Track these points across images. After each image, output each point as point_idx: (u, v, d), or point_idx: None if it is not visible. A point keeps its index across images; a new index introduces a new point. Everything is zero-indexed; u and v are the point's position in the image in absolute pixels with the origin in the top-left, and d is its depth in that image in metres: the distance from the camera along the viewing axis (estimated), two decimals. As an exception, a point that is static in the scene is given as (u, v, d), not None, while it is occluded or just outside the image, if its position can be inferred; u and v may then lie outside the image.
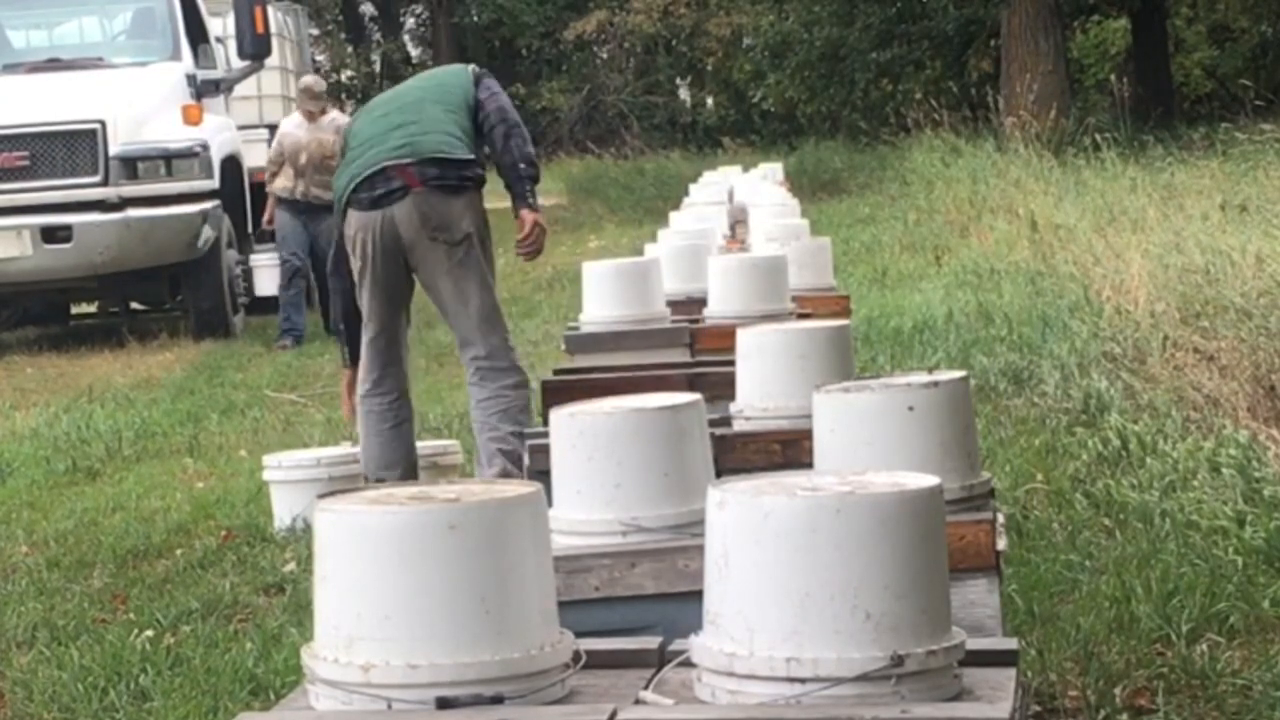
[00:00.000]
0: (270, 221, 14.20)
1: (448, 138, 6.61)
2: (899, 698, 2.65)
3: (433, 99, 6.76)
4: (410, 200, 6.53)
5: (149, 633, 5.76)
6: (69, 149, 14.23)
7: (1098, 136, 16.37)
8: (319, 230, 13.54)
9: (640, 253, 8.65)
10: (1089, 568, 5.64)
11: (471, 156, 6.65)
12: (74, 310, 17.11)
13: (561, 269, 17.01)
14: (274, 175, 13.83)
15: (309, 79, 14.40)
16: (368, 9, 44.13)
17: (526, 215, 6.75)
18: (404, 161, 6.54)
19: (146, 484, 8.50)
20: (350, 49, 41.67)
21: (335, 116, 13.87)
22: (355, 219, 6.60)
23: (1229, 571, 5.43)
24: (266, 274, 14.88)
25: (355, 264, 6.70)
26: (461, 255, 6.59)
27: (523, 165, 6.69)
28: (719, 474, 3.72)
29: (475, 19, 39.68)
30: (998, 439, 7.57)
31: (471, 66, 7.00)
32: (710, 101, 40.01)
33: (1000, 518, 3.83)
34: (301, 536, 6.86)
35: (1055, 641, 4.95)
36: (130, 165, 14.28)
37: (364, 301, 6.73)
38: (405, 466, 6.80)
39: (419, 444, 7.62)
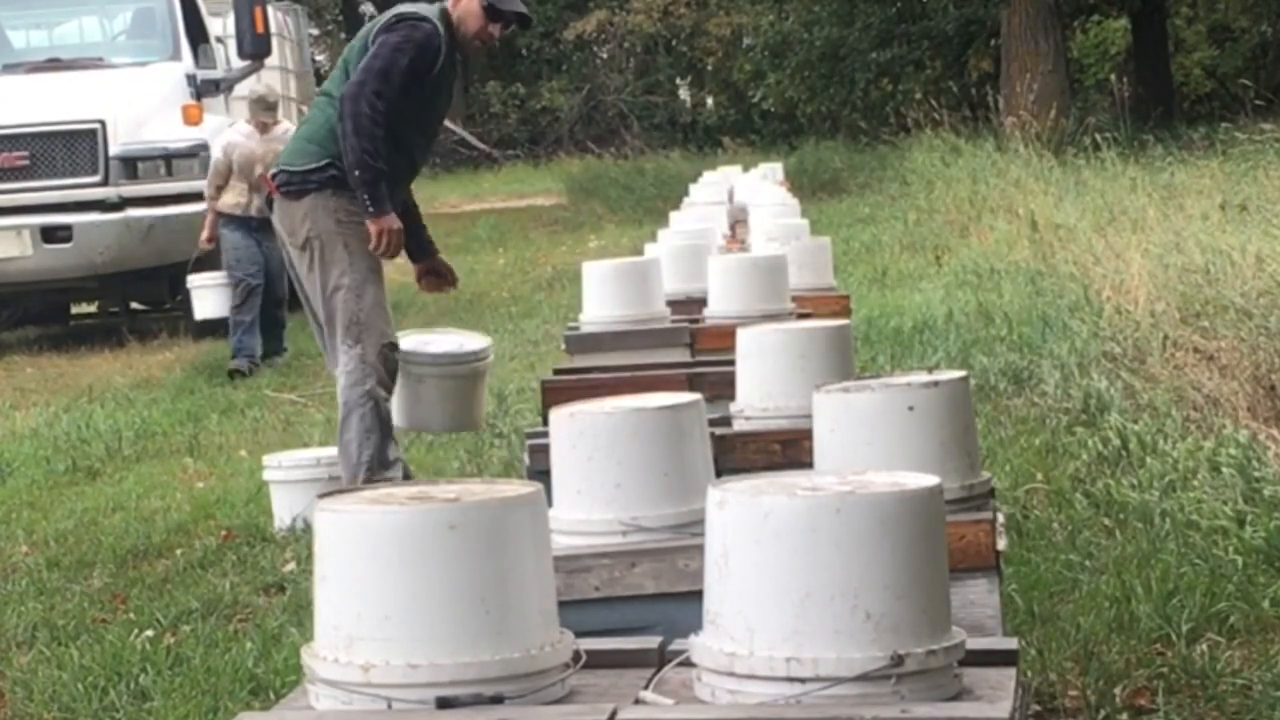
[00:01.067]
0: (211, 241, 12.63)
1: (300, 143, 6.67)
2: (899, 697, 2.65)
3: (334, 81, 6.66)
4: (274, 209, 6.75)
5: (149, 633, 5.76)
6: (69, 149, 14.24)
7: (1098, 136, 16.37)
8: (273, 247, 11.83)
9: (640, 253, 8.65)
10: (1089, 568, 5.64)
11: (313, 165, 6.51)
12: (74, 310, 17.10)
13: (561, 269, 17.02)
14: (219, 190, 12.45)
15: (261, 88, 13.11)
16: (368, 9, 44.09)
17: (368, 225, 6.46)
18: (274, 171, 6.79)
19: (146, 484, 8.50)
20: (350, 49, 41.63)
21: (289, 128, 12.18)
22: None
23: (1229, 571, 5.43)
24: (210, 295, 13.07)
25: None
26: (308, 260, 6.57)
27: (355, 172, 6.38)
28: (719, 474, 3.72)
29: (475, 19, 39.58)
30: (998, 439, 7.56)
31: (384, 20, 6.57)
32: (710, 101, 40.02)
33: (1000, 518, 3.83)
34: (301, 536, 6.86)
35: (1055, 641, 4.94)
36: (130, 165, 14.29)
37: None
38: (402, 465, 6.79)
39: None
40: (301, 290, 6.82)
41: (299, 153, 6.66)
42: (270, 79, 16.99)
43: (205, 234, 12.62)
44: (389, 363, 6.56)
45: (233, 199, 12.42)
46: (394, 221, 6.47)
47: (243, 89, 16.40)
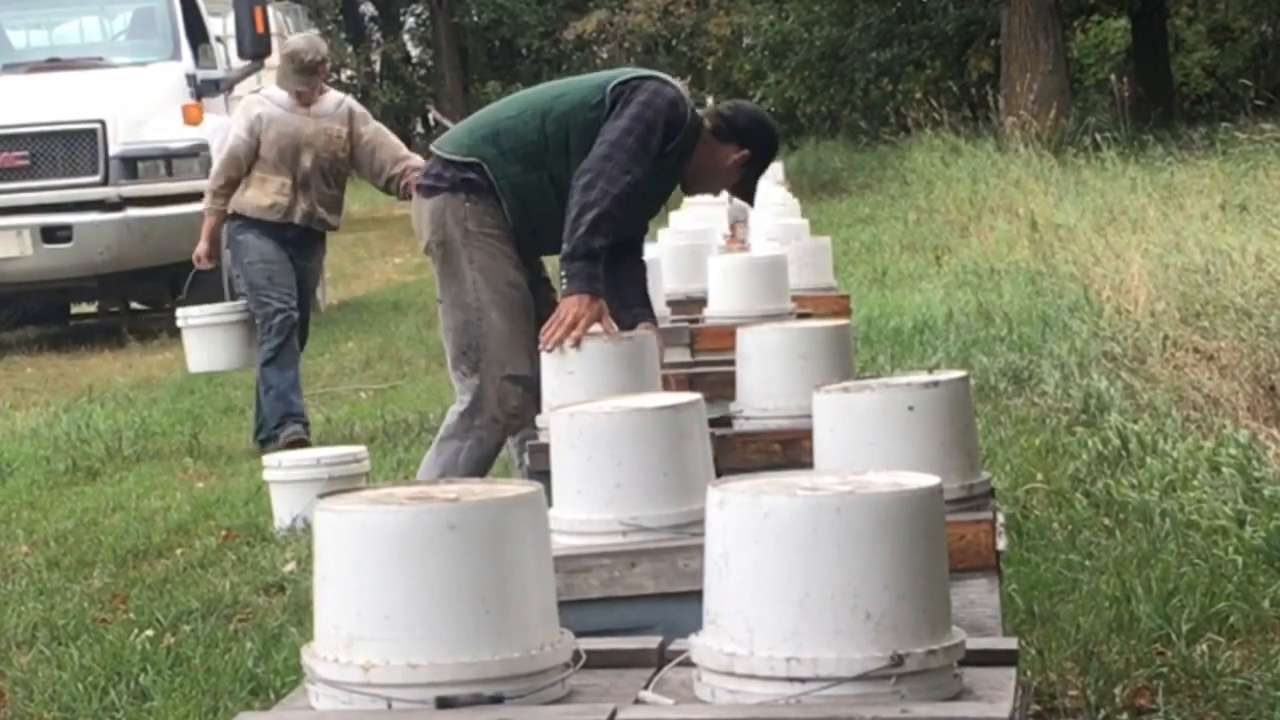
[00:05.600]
0: (211, 258, 9.14)
1: (458, 133, 5.64)
2: (899, 697, 2.65)
3: (523, 98, 5.69)
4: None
5: (149, 633, 5.76)
6: (69, 149, 14.24)
7: (1098, 136, 16.41)
8: (309, 267, 9.11)
9: (640, 253, 8.64)
10: (1089, 568, 5.64)
11: (462, 158, 5.50)
12: (74, 310, 17.11)
13: (561, 269, 16.98)
14: (232, 184, 8.80)
15: (300, 41, 9.16)
16: (368, 9, 44.16)
17: (561, 300, 5.16)
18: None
19: (146, 484, 8.50)
20: (350, 49, 41.68)
21: (343, 99, 9.08)
22: None
23: (1229, 571, 5.43)
24: (209, 339, 9.21)
25: None
26: (433, 266, 5.65)
27: (573, 247, 5.13)
28: (719, 474, 3.71)
29: (475, 19, 39.72)
30: (998, 439, 7.57)
31: (634, 78, 5.41)
32: (710, 101, 40.04)
33: (1000, 518, 3.83)
34: (301, 536, 6.86)
35: (1055, 641, 4.95)
36: (130, 165, 14.29)
37: None
38: None
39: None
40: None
41: (450, 141, 5.61)
42: (270, 78, 16.99)
43: (203, 246, 9.14)
44: (508, 400, 5.53)
45: (264, 198, 8.77)
46: (594, 308, 5.07)
47: (244, 89, 16.42)
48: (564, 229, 5.18)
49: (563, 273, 5.18)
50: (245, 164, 8.79)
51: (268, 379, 8.91)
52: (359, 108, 9.16)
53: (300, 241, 8.92)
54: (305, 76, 8.81)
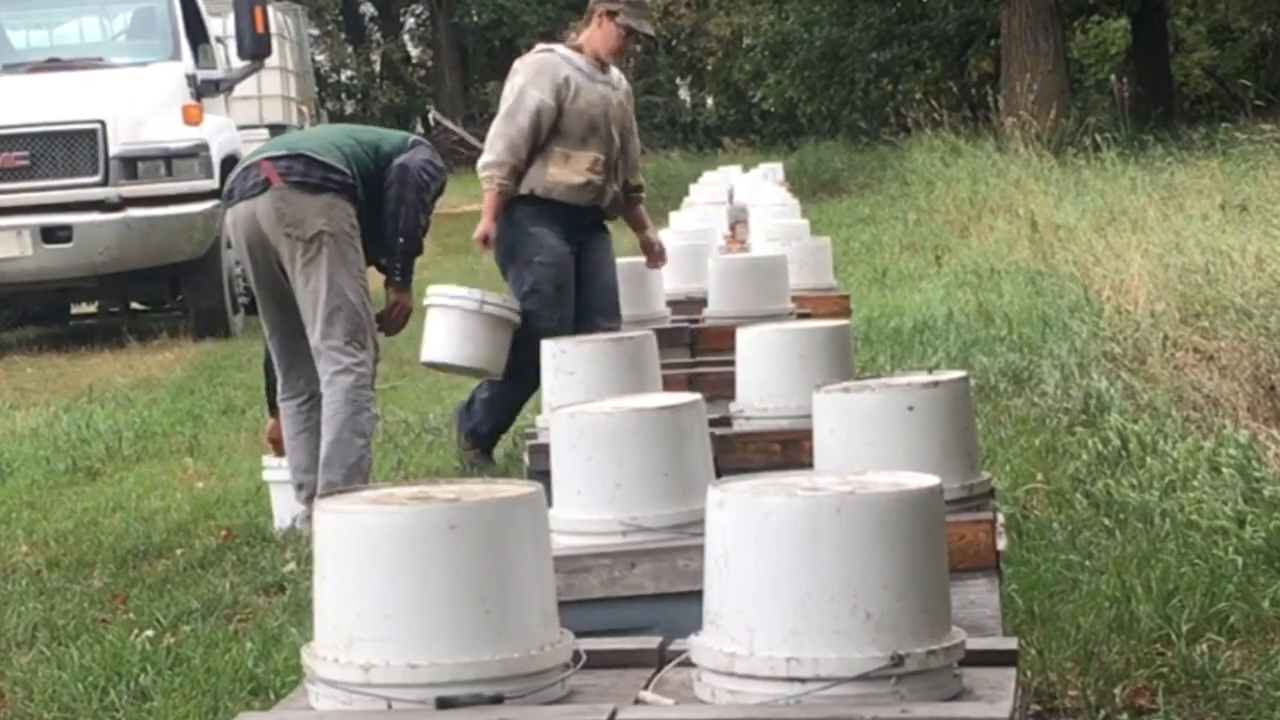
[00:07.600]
0: (488, 240, 7.31)
1: (326, 144, 6.68)
2: (899, 697, 2.65)
3: (348, 131, 6.99)
4: (269, 195, 6.57)
5: (149, 633, 5.75)
6: (69, 149, 14.23)
7: (1098, 136, 16.40)
8: (604, 260, 7.36)
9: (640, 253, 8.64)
10: (1089, 568, 5.64)
11: (342, 169, 6.58)
12: (74, 310, 17.09)
13: (561, 269, 17.00)
14: (525, 162, 7.20)
15: None
16: (368, 9, 44.15)
17: (389, 294, 6.87)
18: (274, 155, 6.66)
19: (146, 484, 8.49)
20: (350, 49, 41.70)
21: (619, 75, 7.52)
22: (228, 216, 6.79)
23: (1229, 571, 5.43)
24: (462, 327, 7.25)
25: (240, 264, 7.10)
26: (313, 253, 6.55)
27: (401, 240, 6.70)
28: (719, 474, 3.72)
29: (475, 19, 39.70)
30: (998, 439, 7.56)
31: (414, 137, 6.97)
32: (710, 101, 40.07)
33: (1000, 518, 3.83)
34: (301, 536, 6.85)
35: (1055, 641, 4.94)
36: (130, 165, 14.27)
37: (258, 301, 6.96)
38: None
39: None
40: (273, 289, 6.72)
41: (324, 151, 6.64)
42: (270, 78, 16.99)
43: (484, 225, 7.29)
44: (375, 372, 6.85)
45: (575, 176, 7.14)
46: (411, 301, 6.95)
47: (244, 89, 16.39)
48: (398, 230, 6.67)
49: (398, 266, 6.78)
50: (542, 131, 7.15)
51: (503, 387, 7.39)
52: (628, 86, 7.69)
53: (594, 229, 7.38)
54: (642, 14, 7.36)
